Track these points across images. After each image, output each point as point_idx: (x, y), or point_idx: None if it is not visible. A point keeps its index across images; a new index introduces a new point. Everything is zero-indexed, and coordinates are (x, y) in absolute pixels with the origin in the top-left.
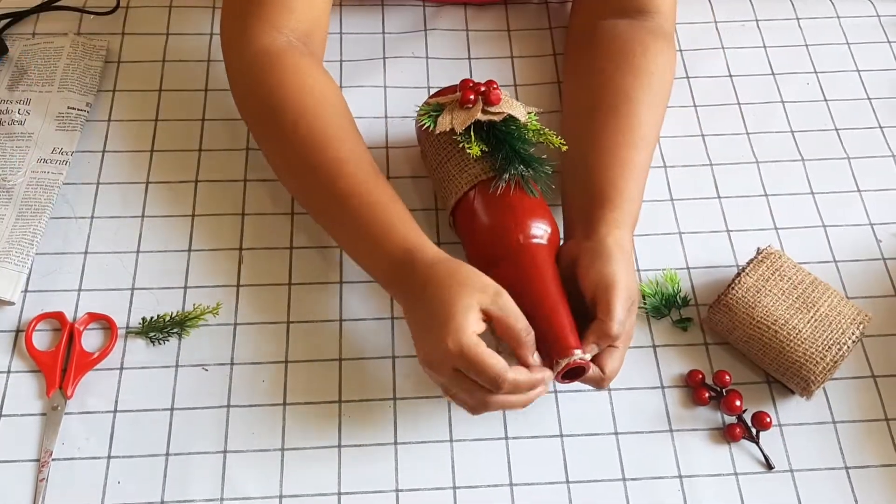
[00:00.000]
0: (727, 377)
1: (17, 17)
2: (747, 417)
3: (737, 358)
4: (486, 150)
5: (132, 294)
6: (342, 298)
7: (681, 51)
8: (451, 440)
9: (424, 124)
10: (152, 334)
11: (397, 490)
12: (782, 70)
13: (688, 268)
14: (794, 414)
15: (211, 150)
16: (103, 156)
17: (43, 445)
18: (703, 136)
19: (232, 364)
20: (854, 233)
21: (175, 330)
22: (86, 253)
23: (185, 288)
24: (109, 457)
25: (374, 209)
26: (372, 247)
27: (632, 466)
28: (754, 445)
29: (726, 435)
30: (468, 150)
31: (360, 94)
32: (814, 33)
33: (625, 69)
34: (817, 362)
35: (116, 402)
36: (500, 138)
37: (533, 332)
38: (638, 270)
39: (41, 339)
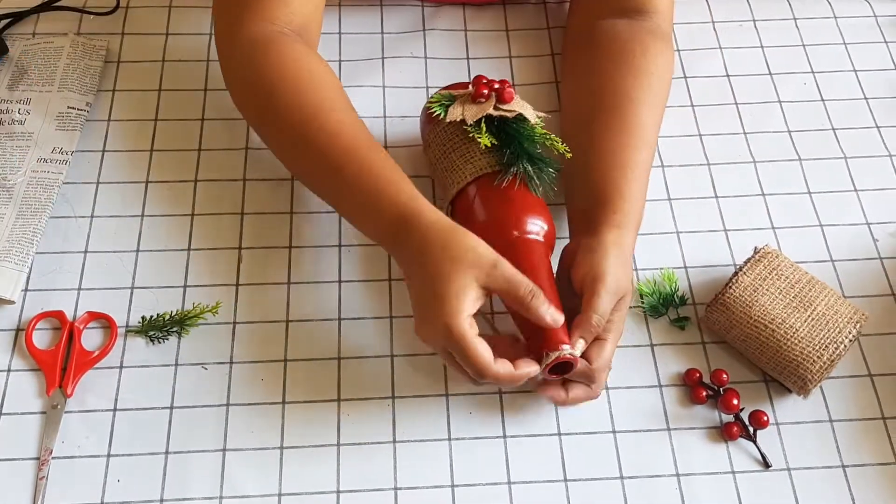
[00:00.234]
0: (725, 376)
1: (17, 17)
2: (745, 416)
3: (734, 357)
4: (496, 143)
5: (132, 293)
6: (341, 297)
7: (678, 50)
8: (449, 438)
9: (435, 112)
10: (152, 333)
11: (396, 488)
12: (779, 70)
13: (685, 267)
14: (791, 412)
15: (210, 150)
16: (103, 155)
17: (43, 444)
18: (700, 135)
19: (231, 363)
20: (851, 232)
21: (174, 329)
22: (86, 252)
23: (185, 287)
24: (109, 455)
25: (369, 175)
26: (369, 212)
27: (629, 465)
28: (751, 444)
29: (724, 433)
30: (479, 140)
31: (358, 94)
32: (811, 33)
33: (625, 70)
34: (814, 361)
35: (116, 400)
36: (510, 134)
37: (539, 291)
38: (636, 269)
39: (41, 338)
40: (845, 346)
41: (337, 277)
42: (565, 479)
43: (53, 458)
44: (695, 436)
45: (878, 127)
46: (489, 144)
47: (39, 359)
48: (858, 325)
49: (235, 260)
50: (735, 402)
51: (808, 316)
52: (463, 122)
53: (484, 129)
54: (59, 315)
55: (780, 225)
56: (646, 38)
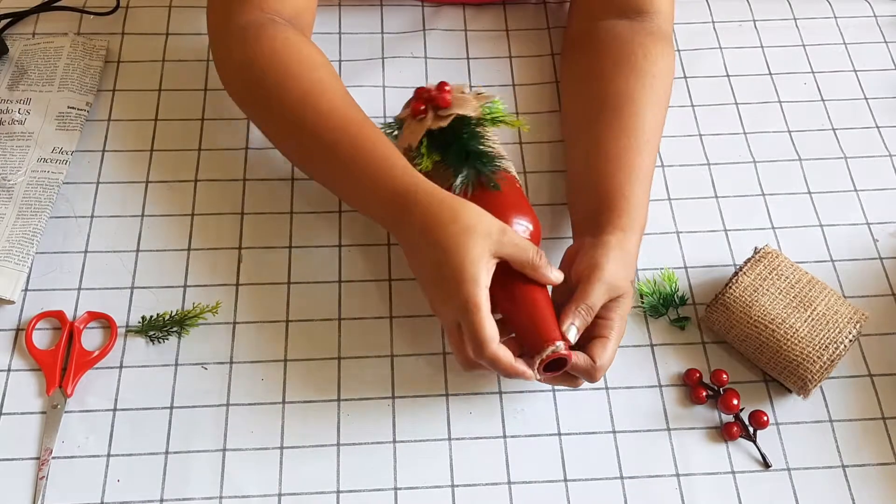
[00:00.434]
0: (724, 376)
1: (17, 17)
2: (744, 416)
3: (734, 357)
4: (438, 159)
5: (132, 293)
6: (341, 297)
7: (678, 51)
8: (449, 438)
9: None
10: (152, 333)
11: (396, 488)
12: (779, 70)
13: (685, 267)
14: (791, 413)
15: (210, 150)
16: (103, 155)
17: (43, 444)
18: (700, 135)
19: (231, 363)
20: (851, 232)
21: (174, 329)
22: (86, 252)
23: (185, 287)
24: (109, 455)
25: (363, 153)
26: (367, 191)
27: (629, 465)
28: (751, 444)
29: (723, 433)
30: (419, 167)
31: (358, 94)
32: (811, 33)
33: (626, 71)
34: (814, 361)
35: (116, 400)
36: (451, 141)
37: (542, 252)
38: (636, 269)
39: (41, 338)
40: (845, 346)
41: (337, 277)
42: (565, 479)
43: (53, 457)
44: (695, 436)
45: (878, 127)
46: (430, 167)
47: (39, 359)
48: (858, 326)
49: (235, 260)
50: (735, 402)
51: (809, 316)
52: (409, 147)
53: (424, 150)
54: (59, 315)
55: (780, 225)
56: (647, 40)
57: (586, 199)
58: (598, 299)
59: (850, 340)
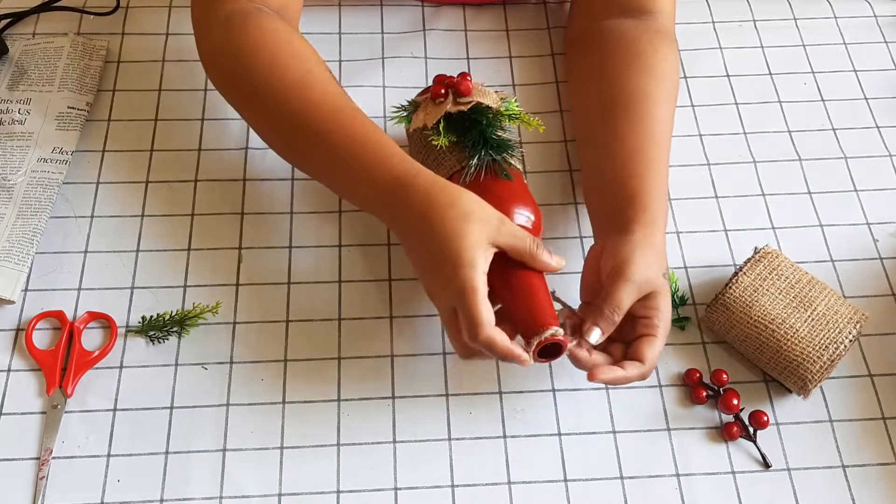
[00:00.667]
0: (725, 376)
1: (17, 17)
2: (745, 416)
3: (734, 357)
4: (455, 140)
5: (132, 293)
6: (341, 297)
7: (679, 50)
8: (449, 439)
9: (399, 123)
10: (152, 333)
11: (396, 488)
12: (780, 70)
13: (685, 267)
14: (791, 413)
15: (210, 150)
16: (103, 155)
17: (43, 444)
18: (700, 135)
19: (231, 363)
20: (851, 232)
21: (174, 329)
22: (86, 252)
23: (185, 287)
24: (109, 455)
25: (356, 141)
26: (360, 180)
27: (629, 465)
28: (751, 444)
29: (724, 434)
30: (435, 143)
31: (358, 94)
32: (811, 33)
33: (637, 67)
34: (814, 361)
35: (116, 400)
36: (469, 127)
37: (541, 241)
38: (667, 262)
39: (41, 338)
40: (845, 346)
41: (337, 277)
42: (565, 480)
43: (53, 458)
44: (695, 436)
45: (878, 127)
46: (447, 144)
47: (39, 359)
48: (858, 326)
49: (235, 260)
50: (735, 402)
51: (809, 316)
52: (425, 126)
53: (442, 129)
54: (59, 315)
55: (781, 225)
56: (654, 38)
57: (606, 195)
58: (626, 299)
59: (851, 340)
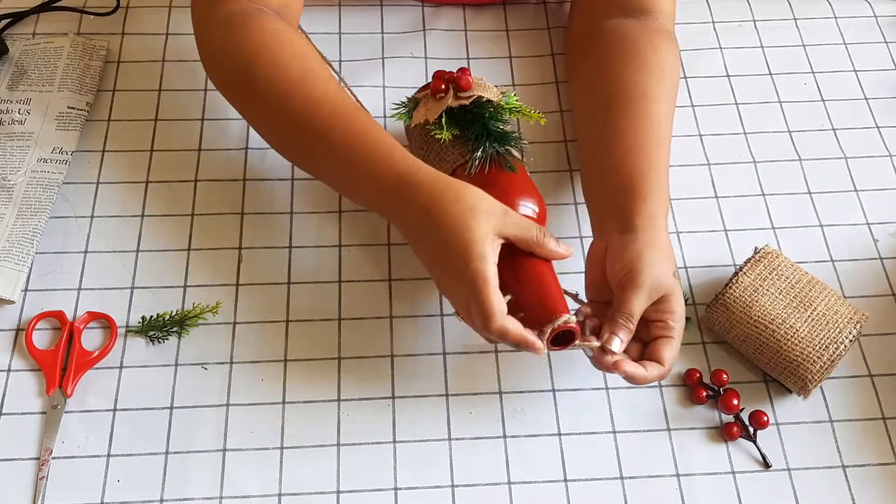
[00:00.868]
0: (725, 376)
1: (17, 17)
2: (745, 416)
3: (734, 357)
4: (458, 133)
5: (132, 293)
6: (341, 297)
7: (679, 49)
8: (449, 439)
9: (400, 119)
10: (152, 333)
11: (396, 488)
12: (780, 70)
13: (685, 267)
14: (791, 413)
15: (210, 150)
16: (103, 155)
17: (43, 444)
18: (700, 135)
19: (231, 363)
20: (851, 232)
21: (174, 329)
22: (86, 252)
23: (185, 287)
24: (109, 455)
25: (358, 139)
26: (363, 177)
27: (629, 465)
28: (752, 444)
29: (724, 434)
30: (438, 136)
31: (359, 94)
32: (811, 33)
33: (637, 65)
34: (814, 361)
35: (116, 400)
36: (471, 120)
37: (547, 230)
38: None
39: (41, 338)
40: (845, 346)
41: (337, 277)
42: (565, 480)
43: (53, 458)
44: (695, 436)
45: (878, 127)
46: (450, 137)
47: (39, 359)
48: (859, 326)
49: (235, 260)
50: (735, 402)
51: (809, 316)
52: (427, 122)
53: (444, 123)
54: (59, 315)
55: (781, 225)
56: (654, 37)
57: (606, 190)
58: (638, 307)
59: (851, 340)
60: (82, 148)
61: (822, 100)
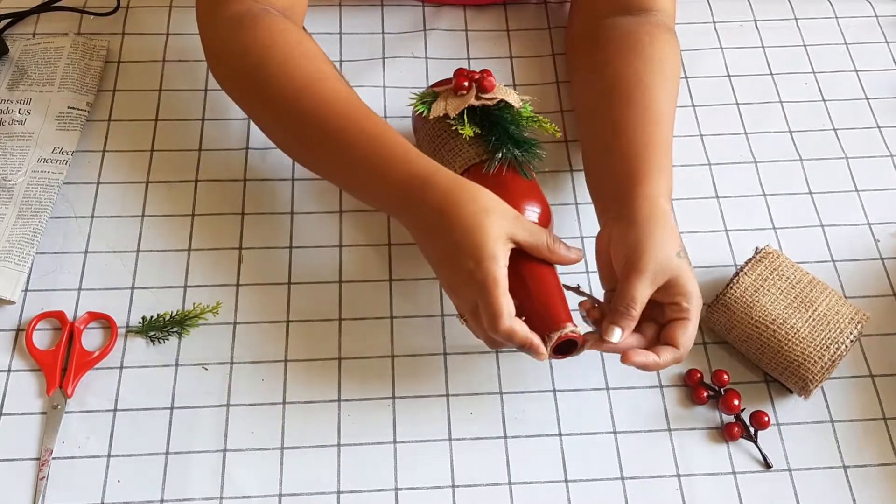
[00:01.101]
0: (725, 376)
1: (17, 17)
2: (745, 417)
3: (735, 357)
4: (480, 132)
5: (132, 293)
6: (342, 297)
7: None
8: (449, 439)
9: (419, 110)
10: (152, 333)
11: (396, 489)
12: (781, 70)
13: None
14: (792, 413)
15: (211, 150)
16: (103, 155)
17: (43, 444)
18: (701, 135)
19: (231, 363)
20: (852, 232)
21: (175, 329)
22: (86, 252)
23: (185, 287)
24: (109, 455)
25: (372, 139)
26: (376, 177)
27: (630, 465)
28: (752, 445)
29: (724, 434)
30: (461, 131)
31: (359, 94)
32: (812, 33)
33: (633, 57)
34: (815, 362)
35: (116, 400)
36: (494, 122)
37: (557, 237)
38: (679, 238)
39: (41, 338)
40: (846, 346)
41: (338, 278)
42: (566, 480)
43: (53, 458)
44: (696, 436)
45: (879, 127)
46: (472, 134)
47: (40, 359)
48: (860, 326)
49: (236, 260)
50: (736, 402)
51: (810, 316)
52: (446, 116)
53: (466, 119)
54: (59, 315)
55: (781, 225)
56: (653, 30)
57: (606, 179)
58: (641, 292)
59: (852, 341)
60: (83, 148)
61: (823, 100)
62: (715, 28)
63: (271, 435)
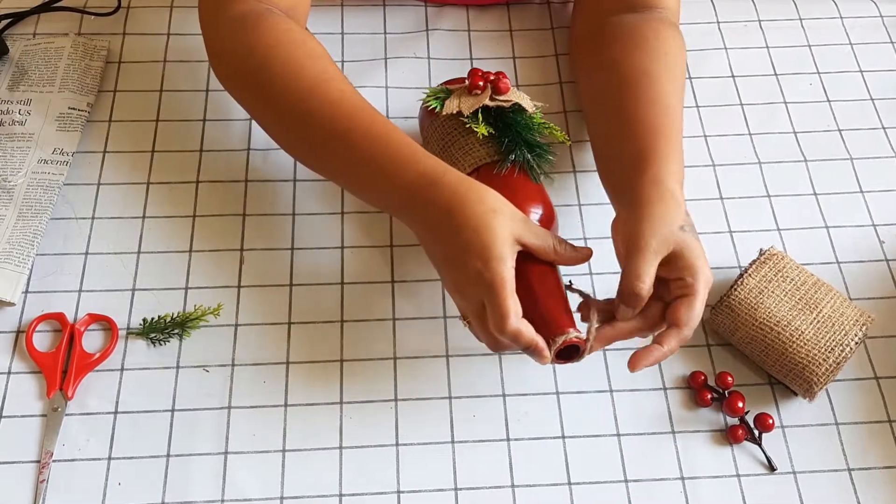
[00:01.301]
0: (730, 378)
1: (17, 17)
2: (750, 419)
3: (739, 359)
4: (492, 132)
5: (133, 295)
6: (343, 299)
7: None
8: (452, 441)
9: (431, 106)
10: (153, 335)
11: (398, 491)
12: (785, 71)
13: None
14: (796, 415)
15: (212, 151)
16: (104, 156)
17: (43, 447)
18: (705, 136)
19: (233, 365)
20: (857, 234)
21: (176, 331)
22: (86, 254)
23: (186, 289)
24: (110, 458)
25: (379, 140)
26: (382, 176)
27: (634, 468)
28: (757, 447)
29: (728, 436)
30: (476, 129)
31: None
32: (817, 34)
33: (639, 52)
34: (820, 364)
35: (117, 403)
36: (507, 123)
37: (562, 240)
38: (684, 216)
39: (42, 340)
40: (851, 348)
41: (340, 279)
42: (569, 483)
43: (54, 461)
44: (699, 439)
45: (884, 128)
46: (486, 134)
47: (40, 361)
48: (864, 328)
49: (237, 261)
50: (740, 404)
51: (814, 318)
52: (459, 114)
53: (481, 119)
54: (59, 317)
55: (786, 226)
56: (657, 26)
57: (615, 171)
58: (644, 267)
59: (856, 343)
60: (83, 149)
61: (828, 100)
62: (719, 28)
63: (273, 437)
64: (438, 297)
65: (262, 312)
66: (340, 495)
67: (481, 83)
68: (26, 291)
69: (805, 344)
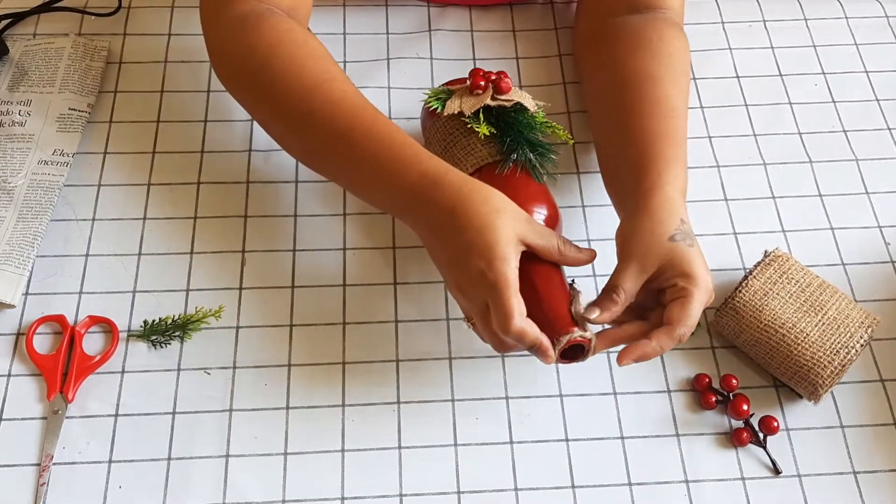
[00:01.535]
0: (734, 381)
1: (17, 17)
2: (754, 422)
3: (744, 362)
4: (494, 132)
5: (134, 297)
6: (345, 301)
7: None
8: (455, 444)
9: (433, 106)
10: (154, 337)
11: (401, 495)
12: (790, 71)
13: None
14: (801, 418)
15: (213, 152)
16: (105, 157)
17: (44, 450)
18: (709, 137)
19: (234, 367)
20: (862, 235)
21: (177, 333)
22: (87, 255)
23: (187, 291)
24: (111, 461)
25: (381, 140)
26: (384, 176)
27: (638, 471)
28: (761, 450)
29: (733, 439)
30: (477, 129)
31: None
32: (822, 34)
33: (643, 53)
34: (825, 366)
35: (118, 405)
36: (509, 123)
37: (566, 240)
38: (678, 223)
39: (42, 343)
40: (856, 350)
41: (342, 281)
42: (573, 486)
43: (54, 464)
44: (704, 442)
45: (889, 129)
46: (488, 133)
47: (40, 363)
48: (870, 330)
49: (239, 263)
50: (745, 407)
51: (819, 320)
52: (461, 114)
53: (482, 119)
54: (59, 319)
55: (791, 228)
56: (661, 26)
57: (621, 175)
58: (627, 279)
59: (862, 345)
60: (83, 150)
61: (833, 101)
62: (724, 29)
63: (274, 440)
64: (441, 298)
65: (263, 314)
66: (342, 498)
67: (482, 83)
68: (26, 293)
69: (810, 346)
